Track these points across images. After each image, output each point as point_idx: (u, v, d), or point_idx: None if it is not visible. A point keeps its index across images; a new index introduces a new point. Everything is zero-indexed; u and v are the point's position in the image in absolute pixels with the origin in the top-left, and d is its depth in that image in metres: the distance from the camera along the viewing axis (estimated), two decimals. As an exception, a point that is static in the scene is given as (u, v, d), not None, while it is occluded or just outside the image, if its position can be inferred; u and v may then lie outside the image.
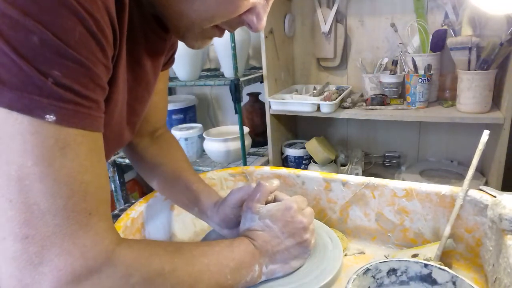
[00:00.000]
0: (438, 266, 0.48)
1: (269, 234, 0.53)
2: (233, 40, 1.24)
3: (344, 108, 1.35)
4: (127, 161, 1.57)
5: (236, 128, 1.45)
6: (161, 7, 0.43)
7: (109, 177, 1.63)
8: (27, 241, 0.31)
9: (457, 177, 1.37)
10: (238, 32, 1.32)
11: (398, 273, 0.50)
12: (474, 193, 0.59)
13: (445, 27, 1.30)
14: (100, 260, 0.34)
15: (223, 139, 1.43)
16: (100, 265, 0.34)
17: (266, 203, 0.57)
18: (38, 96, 0.30)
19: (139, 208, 0.64)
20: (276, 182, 0.57)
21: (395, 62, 1.39)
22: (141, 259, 0.38)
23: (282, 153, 1.58)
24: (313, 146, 1.45)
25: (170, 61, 0.64)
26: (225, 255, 0.48)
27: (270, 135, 1.47)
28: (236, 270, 0.48)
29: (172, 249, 0.43)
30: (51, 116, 0.31)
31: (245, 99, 1.56)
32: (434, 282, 0.48)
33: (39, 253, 0.31)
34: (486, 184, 1.27)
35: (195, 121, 1.78)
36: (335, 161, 1.52)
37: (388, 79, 1.38)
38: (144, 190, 1.99)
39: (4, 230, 0.31)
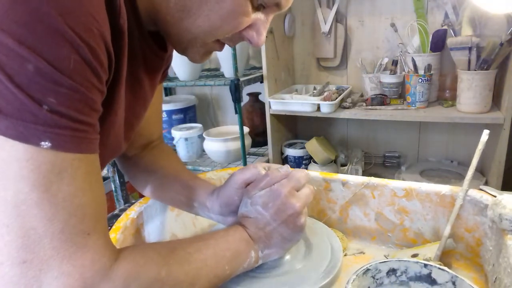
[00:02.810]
0: (438, 266, 0.48)
1: (261, 220, 0.52)
2: (233, 40, 1.24)
3: (344, 108, 1.35)
4: (127, 161, 1.57)
5: (236, 128, 1.45)
6: (165, 24, 0.44)
7: (109, 177, 1.63)
8: (25, 266, 0.31)
9: (457, 177, 1.37)
10: (238, 32, 1.32)
11: (398, 273, 0.50)
12: (474, 193, 0.59)
13: (445, 27, 1.30)
14: (99, 278, 0.35)
15: (223, 139, 1.43)
16: (99, 282, 0.35)
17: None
18: (33, 124, 0.31)
19: (138, 208, 0.64)
20: (285, 169, 0.54)
21: (395, 62, 1.39)
22: (137, 268, 0.39)
23: (282, 153, 1.57)
24: (313, 146, 1.45)
25: (163, 75, 0.65)
26: (221, 246, 0.48)
27: (270, 135, 1.47)
28: (233, 259, 0.48)
29: (166, 252, 0.43)
30: (46, 143, 0.31)
31: (245, 99, 1.56)
32: (434, 282, 0.48)
33: (37, 277, 0.32)
34: (486, 184, 1.27)
35: (195, 121, 1.78)
36: (335, 161, 1.52)
37: (388, 79, 1.38)
38: (144, 190, 1.98)
39: (2, 255, 0.31)
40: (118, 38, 0.38)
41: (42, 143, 0.31)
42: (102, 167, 0.51)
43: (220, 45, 0.48)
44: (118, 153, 0.55)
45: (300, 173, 0.53)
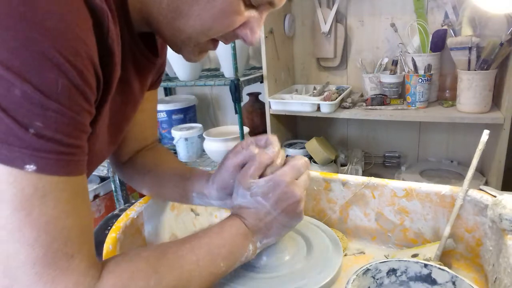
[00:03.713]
0: (438, 266, 0.48)
1: (261, 211, 0.51)
2: (233, 40, 1.24)
3: (344, 108, 1.35)
4: (127, 161, 1.57)
5: (236, 128, 1.45)
6: (158, 25, 0.44)
7: (109, 177, 1.63)
8: None
9: (457, 177, 1.37)
10: (238, 32, 1.32)
11: (398, 273, 0.50)
12: (474, 193, 0.59)
13: (445, 27, 1.30)
14: None
15: (223, 139, 1.43)
16: None
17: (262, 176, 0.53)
18: (18, 147, 0.31)
19: (139, 208, 0.64)
20: (271, 151, 0.52)
21: (395, 62, 1.39)
22: (124, 281, 0.38)
23: (282, 153, 1.57)
24: (313, 146, 1.45)
25: (158, 81, 0.65)
26: (216, 243, 0.47)
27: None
28: (229, 255, 0.48)
29: (155, 258, 0.42)
30: (31, 166, 0.31)
31: (245, 99, 1.56)
32: (434, 282, 0.48)
33: None
34: (486, 184, 1.27)
35: (195, 121, 1.78)
36: (335, 161, 1.52)
37: (388, 79, 1.38)
38: (144, 190, 1.98)
39: None
40: (107, 57, 0.38)
41: (27, 166, 0.31)
42: (88, 174, 0.50)
43: (214, 43, 0.48)
44: (102, 160, 0.55)
45: (300, 162, 0.52)
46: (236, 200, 0.53)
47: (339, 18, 1.51)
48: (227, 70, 1.46)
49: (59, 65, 0.31)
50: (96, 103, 0.38)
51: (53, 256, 0.33)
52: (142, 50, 0.49)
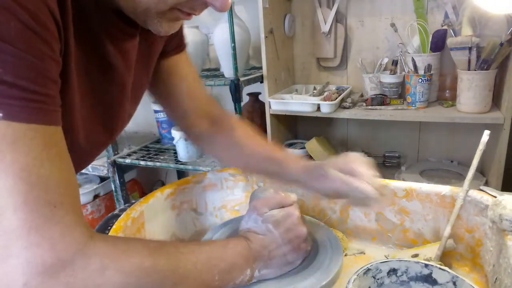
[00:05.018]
0: (439, 266, 0.48)
1: (269, 238, 0.53)
2: (233, 40, 1.24)
3: (344, 108, 1.35)
4: (127, 161, 1.57)
5: (236, 128, 1.45)
6: (117, 0, 0.42)
7: (109, 177, 1.63)
8: None
9: (457, 177, 1.37)
10: (238, 32, 1.32)
11: (399, 273, 0.50)
12: (474, 194, 0.59)
13: (445, 27, 1.30)
14: (72, 252, 0.34)
15: (223, 139, 1.43)
16: (73, 256, 0.34)
17: None
18: None
19: (139, 207, 0.64)
20: (293, 196, 0.58)
21: (395, 62, 1.39)
22: (117, 252, 0.38)
23: (282, 153, 1.57)
24: (313, 146, 1.45)
25: (178, 46, 0.63)
26: (216, 255, 0.47)
27: (270, 135, 1.47)
28: (226, 272, 0.47)
29: (155, 246, 0.42)
30: None
31: (245, 99, 1.56)
32: (434, 282, 0.48)
33: (6, 247, 0.31)
34: (486, 184, 1.27)
35: (195, 121, 1.78)
36: (335, 161, 1.52)
37: (388, 79, 1.38)
38: (144, 190, 1.99)
39: None
40: (63, 7, 0.36)
41: None
42: (85, 159, 0.51)
43: (184, 14, 0.44)
44: (101, 146, 0.54)
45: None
46: (247, 223, 0.56)
47: (339, 18, 1.51)
48: (227, 70, 1.46)
49: (8, 7, 0.30)
50: (61, 54, 0.37)
51: (34, 203, 0.32)
52: (118, 25, 0.46)
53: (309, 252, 0.58)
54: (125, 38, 0.49)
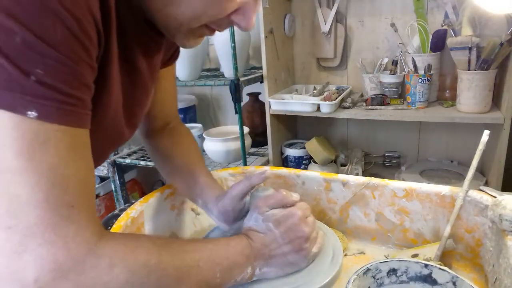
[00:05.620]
0: (439, 266, 0.48)
1: (269, 237, 0.53)
2: (233, 40, 1.24)
3: (344, 108, 1.35)
4: (127, 161, 1.57)
5: (236, 128, 1.45)
6: (152, 12, 0.44)
7: (109, 177, 1.63)
8: (10, 231, 0.32)
9: (457, 177, 1.37)
10: (238, 32, 1.32)
11: (399, 273, 0.50)
12: (474, 194, 0.59)
13: (445, 27, 1.30)
14: (83, 251, 0.35)
15: (223, 139, 1.43)
16: (84, 255, 0.35)
17: None
18: (20, 94, 0.31)
19: (139, 207, 0.64)
20: (296, 195, 0.58)
21: (395, 62, 1.39)
22: (126, 250, 0.39)
23: (282, 153, 1.57)
24: (313, 146, 1.45)
25: (173, 57, 0.66)
26: (219, 253, 0.48)
27: (270, 135, 1.47)
28: (228, 270, 0.48)
29: (161, 243, 0.43)
30: (33, 112, 0.32)
31: (245, 99, 1.56)
32: (434, 282, 0.48)
33: (22, 242, 0.32)
34: (486, 184, 1.27)
35: (195, 121, 1.78)
36: (335, 161, 1.52)
37: (388, 79, 1.38)
38: (144, 190, 1.99)
39: None
40: (106, 17, 0.38)
41: (29, 112, 0.32)
42: (105, 153, 0.54)
43: (209, 30, 0.47)
44: (120, 140, 0.56)
45: (306, 204, 0.58)
46: (249, 222, 0.56)
47: (339, 18, 1.51)
48: (227, 70, 1.46)
49: (57, 12, 0.32)
50: (98, 61, 0.38)
51: (54, 202, 0.33)
52: (148, 33, 0.49)
53: (316, 254, 0.57)
54: (151, 44, 0.52)
